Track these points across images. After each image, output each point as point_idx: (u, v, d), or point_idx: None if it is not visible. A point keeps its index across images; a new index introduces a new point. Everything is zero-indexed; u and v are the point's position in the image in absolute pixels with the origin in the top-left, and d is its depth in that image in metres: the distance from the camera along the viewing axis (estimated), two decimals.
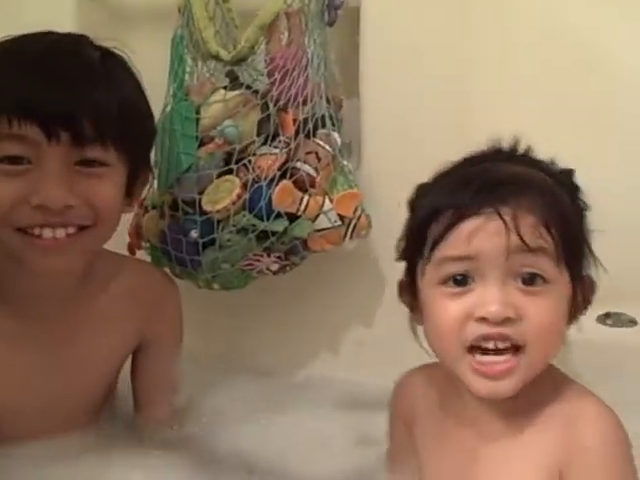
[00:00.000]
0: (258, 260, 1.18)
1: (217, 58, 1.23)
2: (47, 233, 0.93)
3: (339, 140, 1.21)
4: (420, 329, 0.89)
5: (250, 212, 1.15)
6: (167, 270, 1.23)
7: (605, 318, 1.25)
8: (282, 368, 1.32)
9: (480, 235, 0.80)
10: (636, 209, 1.21)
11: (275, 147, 1.17)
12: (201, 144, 1.18)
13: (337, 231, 1.18)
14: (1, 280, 1.01)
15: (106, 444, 1.06)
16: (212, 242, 1.17)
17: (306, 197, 1.16)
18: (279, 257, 1.19)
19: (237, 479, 1.02)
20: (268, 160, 1.16)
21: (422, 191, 0.91)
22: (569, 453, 0.81)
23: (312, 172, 1.17)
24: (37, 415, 1.04)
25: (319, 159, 1.18)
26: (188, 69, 1.25)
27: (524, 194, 0.81)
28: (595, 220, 0.95)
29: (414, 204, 0.91)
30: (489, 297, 0.80)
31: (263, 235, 1.16)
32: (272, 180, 1.15)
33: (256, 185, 1.15)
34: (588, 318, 1.21)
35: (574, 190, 0.88)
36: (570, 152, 1.20)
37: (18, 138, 0.91)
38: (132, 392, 1.15)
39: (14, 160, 0.92)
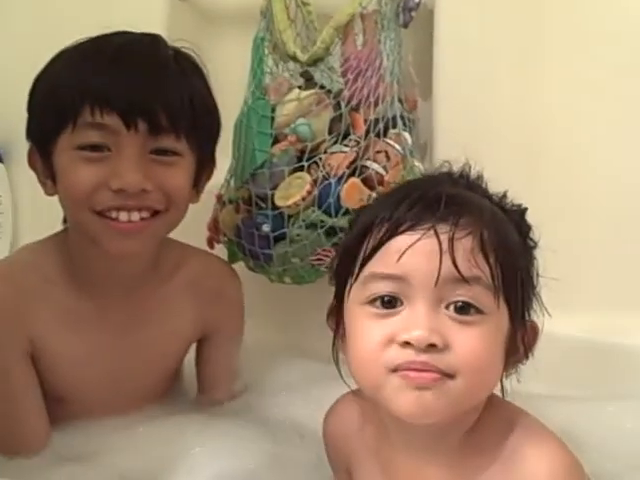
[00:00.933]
0: (327, 255, 1.21)
1: (294, 59, 1.27)
2: (123, 216, 1.00)
3: (410, 140, 1.23)
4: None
5: (319, 208, 1.18)
6: (242, 263, 1.29)
7: None
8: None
9: (412, 254, 0.73)
10: None
11: (346, 145, 1.20)
12: (275, 141, 1.23)
13: None
14: (75, 261, 1.08)
15: (171, 416, 1.11)
16: (283, 236, 1.21)
17: (374, 195, 1.18)
18: None
19: (290, 442, 1.07)
20: (338, 158, 1.19)
21: (361, 210, 0.87)
22: None
23: (381, 170, 1.20)
24: (106, 392, 1.10)
25: (388, 158, 1.20)
26: (267, 69, 1.30)
27: (465, 214, 0.74)
28: None
29: (351, 223, 0.86)
30: (415, 321, 0.73)
31: (332, 231, 1.19)
32: (341, 177, 1.18)
33: (326, 182, 1.18)
34: None
35: (523, 228, 0.82)
36: None
37: (99, 127, 0.98)
38: (196, 377, 1.21)
39: (95, 148, 0.99)
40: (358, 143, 1.20)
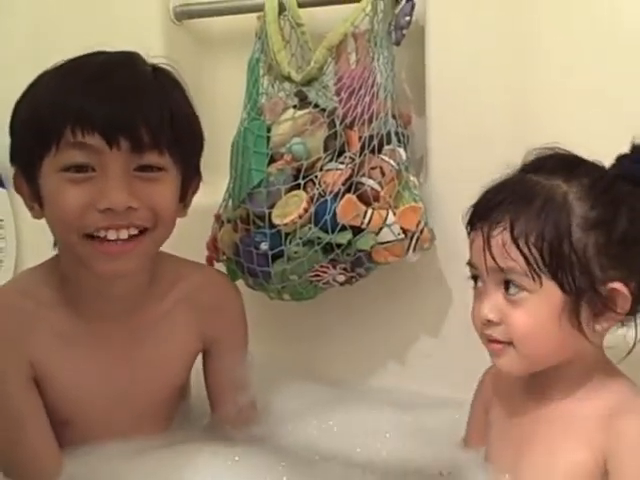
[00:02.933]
0: (324, 272, 1.23)
1: (289, 79, 1.29)
2: (112, 235, 1.00)
3: (404, 155, 1.24)
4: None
5: (316, 225, 1.19)
6: (242, 281, 1.30)
7: None
8: (350, 378, 1.36)
9: (473, 250, 0.94)
10: None
11: (341, 163, 1.22)
12: (271, 161, 1.24)
13: (400, 244, 1.21)
14: (69, 284, 1.09)
15: (177, 444, 1.10)
16: (281, 254, 1.22)
17: (370, 211, 1.19)
18: (345, 269, 1.23)
19: (302, 470, 1.07)
20: (334, 175, 1.20)
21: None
22: (612, 440, 0.87)
23: (376, 186, 1.21)
24: (110, 413, 1.10)
25: (383, 174, 1.21)
26: (263, 90, 1.32)
27: (498, 213, 0.89)
28: None
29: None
30: (481, 301, 0.92)
31: (328, 247, 1.21)
32: (337, 194, 1.19)
33: (322, 199, 1.20)
34: None
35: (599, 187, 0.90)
36: None
37: (82, 146, 0.98)
38: (207, 395, 1.21)
39: (79, 168, 0.99)
40: (353, 160, 1.21)
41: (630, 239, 0.88)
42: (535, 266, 0.87)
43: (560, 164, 0.92)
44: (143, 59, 1.07)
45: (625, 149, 1.20)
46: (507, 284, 0.89)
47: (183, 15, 1.52)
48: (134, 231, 1.02)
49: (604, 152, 1.21)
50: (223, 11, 1.49)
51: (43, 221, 1.08)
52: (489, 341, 0.92)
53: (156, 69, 1.07)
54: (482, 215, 0.91)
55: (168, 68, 1.09)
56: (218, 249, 1.32)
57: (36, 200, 1.04)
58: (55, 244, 1.11)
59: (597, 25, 1.19)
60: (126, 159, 1.00)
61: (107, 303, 1.09)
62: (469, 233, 0.95)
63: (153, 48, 1.34)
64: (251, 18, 1.37)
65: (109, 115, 0.98)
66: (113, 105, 0.99)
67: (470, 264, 0.95)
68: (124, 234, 1.01)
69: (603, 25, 1.19)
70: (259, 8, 1.34)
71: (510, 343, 0.90)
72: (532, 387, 0.96)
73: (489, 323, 0.91)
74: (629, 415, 0.88)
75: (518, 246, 0.87)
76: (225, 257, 1.31)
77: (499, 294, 0.90)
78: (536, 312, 0.88)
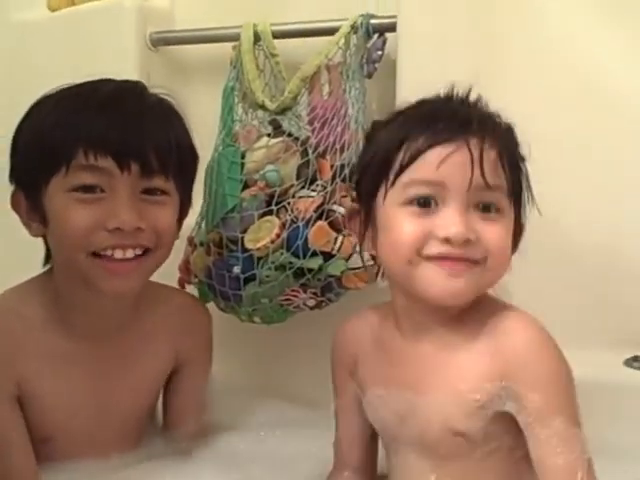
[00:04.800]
0: (295, 296, 1.26)
1: (263, 107, 1.33)
2: (118, 254, 1.03)
3: None
4: None
5: (287, 250, 1.23)
6: (213, 304, 1.33)
7: (633, 361, 1.28)
8: (319, 400, 1.37)
9: (449, 163, 0.88)
10: None
11: (313, 190, 1.26)
12: (245, 187, 1.28)
13: (370, 270, 1.24)
14: (61, 301, 1.10)
15: (149, 461, 1.15)
16: (252, 278, 1.25)
17: (340, 237, 1.23)
18: (315, 293, 1.26)
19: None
20: (306, 202, 1.24)
21: (380, 125, 0.98)
22: (505, 361, 0.89)
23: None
24: (87, 432, 1.13)
25: (354, 202, 1.25)
26: (237, 117, 1.35)
27: (490, 132, 0.90)
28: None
29: (372, 137, 0.98)
30: (452, 220, 0.88)
31: (299, 272, 1.24)
32: (308, 221, 1.23)
33: (294, 225, 1.23)
34: (616, 361, 1.27)
35: (517, 143, 0.96)
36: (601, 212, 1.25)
37: (93, 169, 1.02)
38: (162, 410, 1.24)
39: (88, 189, 1.02)
40: (325, 188, 1.25)
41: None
42: (512, 189, 0.90)
43: (483, 106, 0.96)
44: (147, 88, 1.11)
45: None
46: (481, 204, 0.89)
47: (159, 42, 1.55)
48: (139, 251, 1.05)
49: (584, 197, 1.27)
50: (199, 39, 1.53)
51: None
52: (454, 260, 0.88)
53: (160, 98, 1.11)
54: (471, 132, 0.88)
55: (169, 98, 1.13)
56: (190, 271, 1.34)
57: (35, 218, 1.07)
58: (46, 261, 1.13)
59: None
60: (134, 182, 1.03)
61: (96, 323, 1.12)
62: (426, 147, 0.88)
63: (129, 74, 1.37)
64: (226, 47, 1.41)
65: (121, 140, 1.02)
66: (125, 130, 1.02)
67: (427, 182, 0.88)
68: (130, 253, 1.04)
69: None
70: (235, 37, 1.39)
71: (477, 262, 0.88)
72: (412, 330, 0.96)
73: (464, 243, 0.87)
74: (516, 334, 0.90)
75: (504, 168, 0.90)
76: (197, 280, 1.34)
77: (470, 214, 0.89)
78: (506, 229, 0.91)
